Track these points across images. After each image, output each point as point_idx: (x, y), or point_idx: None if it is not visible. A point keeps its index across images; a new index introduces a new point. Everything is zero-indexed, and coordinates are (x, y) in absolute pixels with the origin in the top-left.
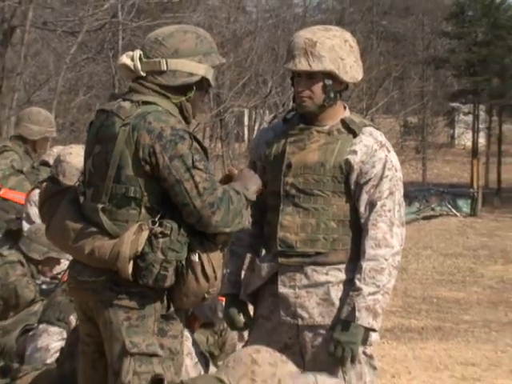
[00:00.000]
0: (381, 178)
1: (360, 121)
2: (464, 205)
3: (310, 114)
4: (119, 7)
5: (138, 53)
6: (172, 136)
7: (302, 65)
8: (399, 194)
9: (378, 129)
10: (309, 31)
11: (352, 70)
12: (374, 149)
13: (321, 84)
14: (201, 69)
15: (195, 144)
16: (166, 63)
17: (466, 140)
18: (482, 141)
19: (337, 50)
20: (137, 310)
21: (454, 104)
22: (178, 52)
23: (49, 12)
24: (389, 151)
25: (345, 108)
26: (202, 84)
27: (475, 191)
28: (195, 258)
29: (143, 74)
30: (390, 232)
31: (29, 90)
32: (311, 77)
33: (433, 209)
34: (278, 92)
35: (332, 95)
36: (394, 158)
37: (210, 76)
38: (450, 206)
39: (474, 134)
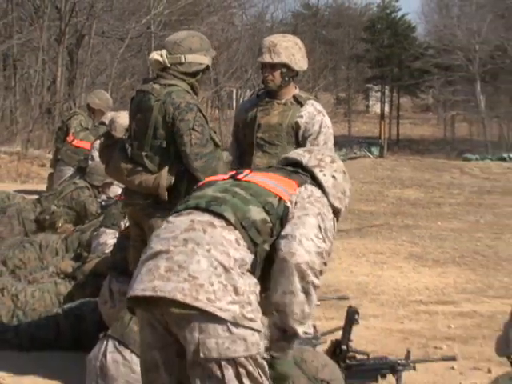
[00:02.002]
0: (318, 133)
1: (306, 96)
2: (375, 150)
3: (272, 91)
4: (152, 22)
5: (164, 51)
6: (185, 107)
7: (267, 58)
8: (330, 143)
9: (317, 101)
10: (272, 37)
11: (300, 62)
12: (314, 114)
13: (279, 71)
14: (206, 60)
15: (199, 114)
16: (185, 58)
17: (376, 108)
18: (386, 109)
19: (290, 49)
20: None
21: (369, 85)
22: (191, 49)
23: (106, 25)
24: (324, 115)
25: (296, 88)
26: (205, 69)
27: (382, 141)
28: None
29: (169, 65)
30: None
31: (93, 75)
32: (273, 66)
33: (355, 153)
34: (255, 77)
35: (287, 79)
36: (327, 120)
37: (210, 63)
38: (366, 151)
39: (382, 105)
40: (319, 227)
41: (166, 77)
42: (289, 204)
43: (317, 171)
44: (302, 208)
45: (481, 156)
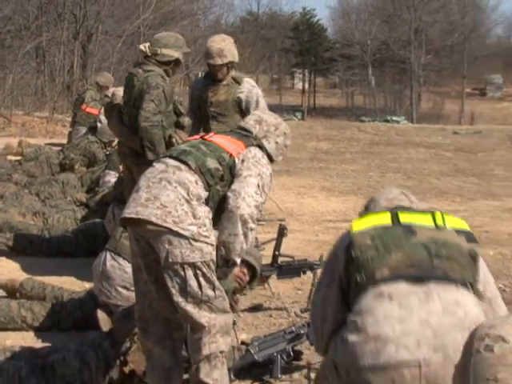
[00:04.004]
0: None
1: (240, 75)
2: (299, 114)
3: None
4: (141, 24)
5: (147, 44)
6: (154, 86)
7: (218, 61)
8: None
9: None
10: (216, 42)
11: (237, 55)
12: (250, 89)
13: (226, 67)
14: (176, 54)
15: (162, 93)
16: (160, 50)
17: (299, 86)
18: (306, 86)
19: (231, 49)
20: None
21: (294, 69)
22: (166, 45)
23: (108, 26)
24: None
25: (232, 70)
26: (177, 61)
27: (304, 108)
28: (173, 140)
29: (150, 54)
30: None
31: (100, 62)
32: (222, 65)
33: (284, 116)
34: None
35: (230, 68)
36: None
37: (181, 58)
38: (292, 115)
39: (303, 83)
40: (258, 186)
41: (148, 63)
42: (236, 160)
43: (264, 141)
44: (247, 168)
45: (372, 118)
